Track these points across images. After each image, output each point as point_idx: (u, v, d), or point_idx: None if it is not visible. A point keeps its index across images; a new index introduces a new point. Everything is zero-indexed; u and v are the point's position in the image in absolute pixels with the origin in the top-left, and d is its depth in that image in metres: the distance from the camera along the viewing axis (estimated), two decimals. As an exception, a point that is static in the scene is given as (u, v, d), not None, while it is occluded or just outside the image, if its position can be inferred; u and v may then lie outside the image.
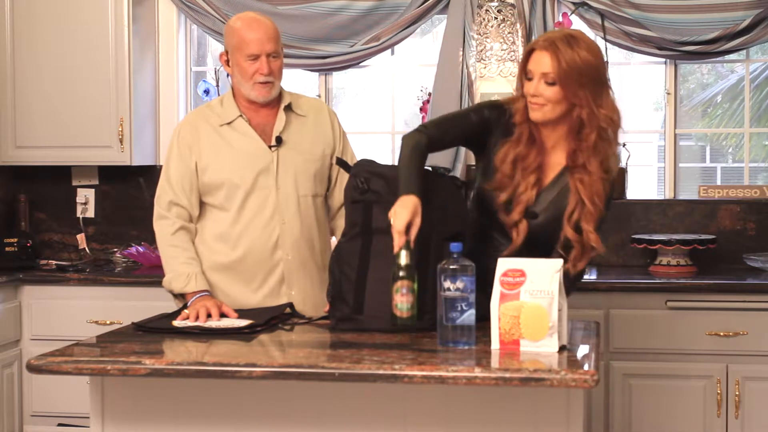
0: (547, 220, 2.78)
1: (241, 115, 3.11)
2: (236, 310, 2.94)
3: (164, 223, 3.11)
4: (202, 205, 3.14)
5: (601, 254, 2.81)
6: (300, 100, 3.22)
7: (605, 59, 2.89)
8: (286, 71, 3.21)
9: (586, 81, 2.68)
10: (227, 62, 3.11)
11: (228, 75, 3.18)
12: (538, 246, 2.76)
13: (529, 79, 2.74)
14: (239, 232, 3.08)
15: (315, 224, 3.17)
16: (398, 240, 2.56)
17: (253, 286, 3.09)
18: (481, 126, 2.85)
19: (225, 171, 3.08)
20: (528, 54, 2.75)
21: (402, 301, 2.49)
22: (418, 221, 2.60)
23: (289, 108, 3.15)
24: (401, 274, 2.49)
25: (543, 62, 2.69)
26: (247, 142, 3.10)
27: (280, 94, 3.15)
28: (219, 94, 4.61)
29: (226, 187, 3.07)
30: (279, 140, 3.10)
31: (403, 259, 2.50)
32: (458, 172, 4.40)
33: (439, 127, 2.86)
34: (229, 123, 3.11)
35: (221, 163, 3.08)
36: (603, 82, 2.74)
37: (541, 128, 2.79)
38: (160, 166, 4.78)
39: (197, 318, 2.83)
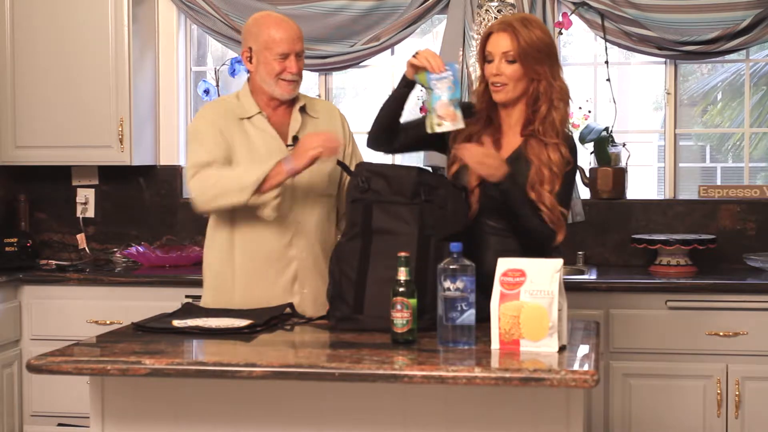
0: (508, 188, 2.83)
1: (260, 112, 3.11)
2: (236, 310, 2.94)
3: (206, 171, 2.99)
4: None
5: (576, 220, 2.92)
6: (313, 102, 3.24)
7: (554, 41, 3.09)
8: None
9: (543, 57, 2.86)
10: (249, 59, 3.11)
11: (248, 71, 3.16)
12: (507, 213, 2.84)
13: (489, 62, 2.88)
14: (253, 227, 3.07)
15: (327, 224, 3.17)
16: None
17: (266, 282, 3.08)
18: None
19: (243, 165, 3.05)
20: (486, 38, 2.91)
21: (397, 317, 2.49)
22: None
23: (303, 109, 3.16)
24: (399, 290, 2.48)
25: (502, 43, 2.86)
26: (266, 139, 3.08)
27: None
28: (219, 94, 4.61)
29: None
30: (296, 140, 3.09)
31: (401, 275, 2.49)
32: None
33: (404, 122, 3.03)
34: (249, 118, 3.10)
35: (240, 156, 3.06)
36: (556, 58, 2.92)
37: (500, 110, 2.93)
38: (161, 166, 4.86)
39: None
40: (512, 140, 2.92)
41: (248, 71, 3.15)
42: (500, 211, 2.85)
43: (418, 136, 2.96)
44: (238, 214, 3.06)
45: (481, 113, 2.93)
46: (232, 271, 3.09)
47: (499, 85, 2.87)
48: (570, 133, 2.96)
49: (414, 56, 2.85)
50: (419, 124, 2.92)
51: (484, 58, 2.90)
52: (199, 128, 3.10)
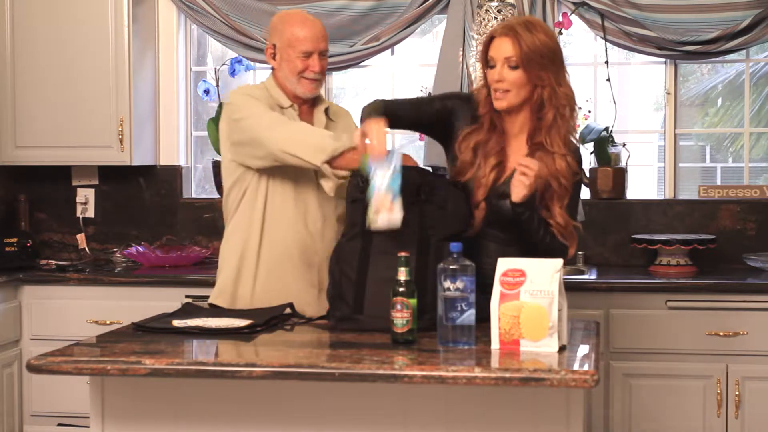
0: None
1: (292, 105, 3.10)
2: (236, 310, 2.94)
3: (286, 121, 2.95)
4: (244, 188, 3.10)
5: (581, 234, 2.89)
6: (330, 105, 3.25)
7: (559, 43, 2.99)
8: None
9: (547, 62, 2.77)
10: (273, 56, 3.10)
11: (271, 68, 3.15)
12: (514, 227, 2.78)
13: (492, 67, 2.81)
14: (282, 223, 3.06)
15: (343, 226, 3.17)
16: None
17: (290, 271, 3.07)
18: (442, 114, 2.92)
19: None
20: (488, 42, 2.82)
21: (397, 317, 2.49)
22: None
23: (325, 111, 3.17)
24: (399, 290, 2.48)
25: (504, 48, 2.77)
26: None
27: (317, 96, 3.16)
28: (219, 94, 4.61)
29: (279, 171, 3.02)
30: None
31: (401, 275, 2.49)
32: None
33: (396, 103, 2.92)
34: (282, 108, 3.08)
35: None
36: (561, 63, 2.82)
37: (503, 116, 2.85)
38: (161, 166, 4.87)
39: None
40: (517, 148, 2.87)
41: (272, 68, 3.14)
42: (503, 223, 2.82)
43: (411, 123, 2.95)
44: (274, 195, 3.04)
45: (484, 118, 2.87)
46: (256, 258, 3.07)
47: (501, 92, 2.79)
48: (576, 144, 2.89)
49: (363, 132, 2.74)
50: (415, 105, 2.91)
51: (486, 63, 2.83)
52: (252, 94, 3.06)
